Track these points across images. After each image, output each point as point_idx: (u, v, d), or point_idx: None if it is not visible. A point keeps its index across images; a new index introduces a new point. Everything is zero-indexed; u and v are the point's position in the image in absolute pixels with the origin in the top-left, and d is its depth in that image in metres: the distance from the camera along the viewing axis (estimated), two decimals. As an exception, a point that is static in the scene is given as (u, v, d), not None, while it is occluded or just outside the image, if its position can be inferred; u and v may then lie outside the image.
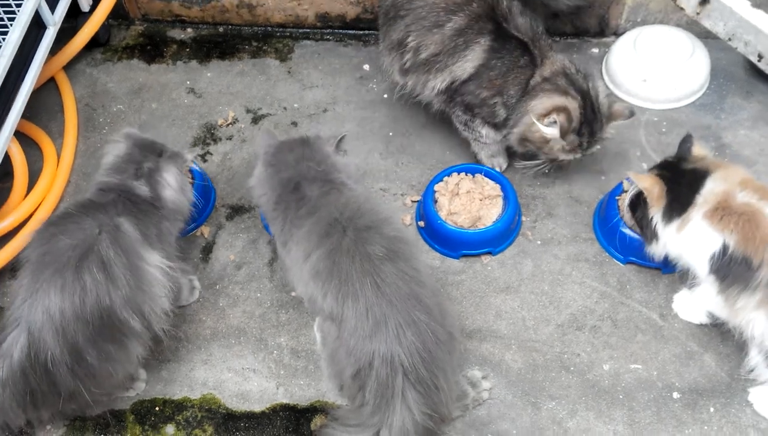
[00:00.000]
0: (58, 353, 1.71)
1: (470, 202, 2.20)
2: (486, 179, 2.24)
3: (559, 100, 2.03)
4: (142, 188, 1.92)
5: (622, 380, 1.91)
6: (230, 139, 2.54)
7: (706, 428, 1.83)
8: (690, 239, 1.84)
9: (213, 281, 2.19)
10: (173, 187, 1.97)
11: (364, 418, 1.66)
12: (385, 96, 2.62)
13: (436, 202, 2.22)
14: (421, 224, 2.23)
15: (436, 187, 2.24)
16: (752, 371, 1.84)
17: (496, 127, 2.18)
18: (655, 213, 1.91)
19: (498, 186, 2.23)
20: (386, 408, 1.61)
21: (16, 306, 1.73)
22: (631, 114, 2.12)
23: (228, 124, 2.59)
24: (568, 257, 2.16)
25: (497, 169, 2.31)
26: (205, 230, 2.30)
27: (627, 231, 2.08)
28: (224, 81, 2.72)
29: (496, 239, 2.15)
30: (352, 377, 1.67)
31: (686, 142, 1.96)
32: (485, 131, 2.21)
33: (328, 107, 2.61)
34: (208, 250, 2.26)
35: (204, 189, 2.32)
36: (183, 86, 2.71)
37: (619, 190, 2.17)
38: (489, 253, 2.17)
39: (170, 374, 2.02)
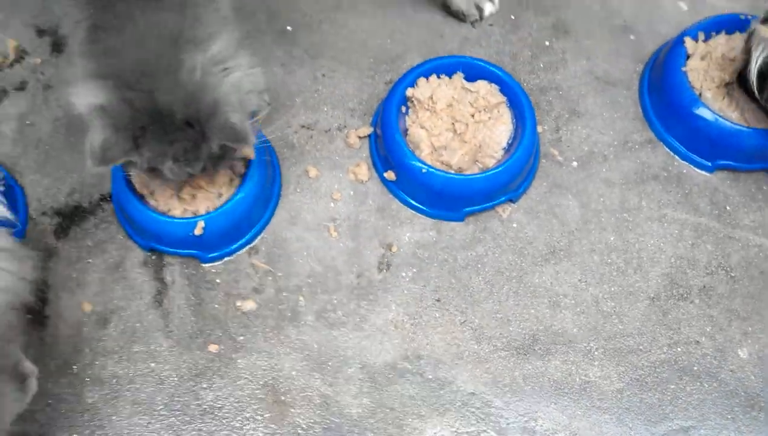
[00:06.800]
0: None
1: (459, 124, 1.31)
2: (471, 81, 1.34)
3: None
4: None
5: (773, 366, 1.20)
6: (23, 88, 1.45)
7: None
8: None
9: (63, 358, 1.22)
10: None
11: None
12: (261, -34, 1.59)
13: (406, 133, 1.32)
14: (390, 175, 1.32)
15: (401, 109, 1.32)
16: None
17: None
18: None
19: (495, 87, 1.34)
20: None
21: None
22: None
23: (12, 64, 1.48)
24: (626, 180, 1.35)
25: (488, 9, 1.48)
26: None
27: (709, 115, 1.29)
28: (-19, -12, 1.58)
29: (517, 177, 1.30)
30: None
31: None
32: None
33: (173, 2, 1.55)
34: (38, 302, 1.26)
35: (2, 191, 1.30)
36: None
37: (681, 55, 1.35)
38: (509, 201, 1.32)
39: None
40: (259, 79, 1.13)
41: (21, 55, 1.49)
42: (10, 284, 0.98)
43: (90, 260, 1.29)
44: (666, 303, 1.24)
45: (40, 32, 1.52)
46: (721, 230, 1.29)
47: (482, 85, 1.33)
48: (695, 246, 1.28)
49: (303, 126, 1.40)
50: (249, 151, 1.26)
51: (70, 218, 1.33)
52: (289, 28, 1.50)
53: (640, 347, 1.21)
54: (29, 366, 1.10)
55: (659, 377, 1.18)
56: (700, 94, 1.31)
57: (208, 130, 1.05)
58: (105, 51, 1.05)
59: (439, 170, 1.26)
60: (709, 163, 1.33)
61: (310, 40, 1.49)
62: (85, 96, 1.04)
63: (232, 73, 1.07)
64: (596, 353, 1.20)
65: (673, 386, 1.18)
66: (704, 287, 1.25)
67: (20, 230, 1.31)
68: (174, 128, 1.05)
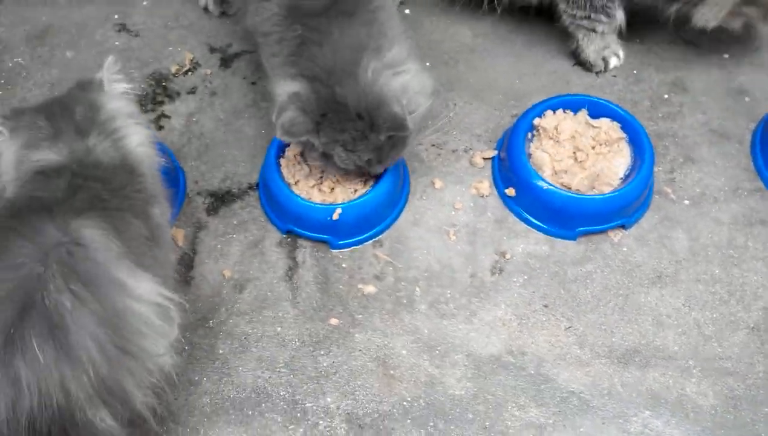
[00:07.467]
0: None
1: (580, 153, 1.45)
2: (595, 117, 1.48)
3: None
4: (102, 147, 1.10)
5: None
6: (193, 92, 1.70)
7: None
8: None
9: (202, 314, 1.37)
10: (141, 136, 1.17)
11: None
12: (407, 11, 1.82)
13: (530, 157, 1.46)
14: (510, 192, 1.46)
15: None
16: None
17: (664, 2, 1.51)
18: None
19: (617, 124, 1.47)
20: None
21: None
22: None
23: (186, 72, 1.74)
24: (734, 221, 1.44)
25: (613, 62, 1.63)
26: (178, 234, 1.48)
27: (820, 173, 1.38)
28: (169, 10, 1.85)
29: (633, 205, 1.41)
30: None
31: None
32: (619, 15, 1.55)
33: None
34: (186, 265, 1.43)
35: (168, 169, 1.50)
36: (109, 23, 1.83)
37: (792, 113, 1.46)
38: (621, 226, 1.43)
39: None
40: (427, 82, 1.32)
41: (194, 66, 1.74)
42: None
43: (233, 236, 1.47)
44: (765, 334, 1.29)
45: (213, 50, 1.77)
46: (826, 276, 1.35)
47: (605, 122, 1.47)
48: (798, 286, 1.34)
49: (433, 145, 1.57)
50: None
51: (221, 199, 1.52)
52: (428, 64, 1.70)
53: (737, 371, 1.26)
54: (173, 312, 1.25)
55: (754, 400, 1.23)
56: (811, 149, 1.41)
57: (374, 120, 1.24)
58: (306, 58, 1.28)
59: (559, 189, 1.38)
60: (818, 214, 1.41)
61: (447, 76, 1.68)
62: (285, 88, 1.27)
63: (401, 77, 1.26)
64: (694, 370, 1.26)
65: (767, 410, 1.22)
66: (805, 324, 1.30)
67: (179, 203, 1.51)
68: (347, 118, 1.25)
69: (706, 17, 1.49)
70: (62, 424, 0.93)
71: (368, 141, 1.28)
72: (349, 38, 1.26)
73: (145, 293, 1.00)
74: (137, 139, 1.14)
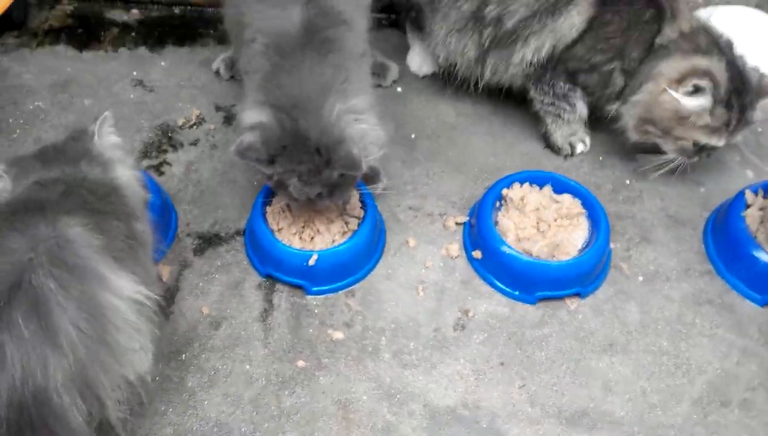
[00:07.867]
0: None
1: (542, 223, 1.50)
2: (559, 193, 1.55)
3: (700, 61, 1.45)
4: (93, 169, 1.19)
5: (806, 483, 1.23)
6: (195, 144, 1.77)
7: None
8: None
9: (177, 347, 1.39)
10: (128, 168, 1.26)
11: None
12: (399, 90, 1.90)
13: (496, 224, 1.51)
14: (477, 254, 1.50)
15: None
16: None
17: (606, 100, 1.59)
18: None
19: (578, 201, 1.53)
20: None
21: None
22: None
23: (192, 126, 1.81)
24: (684, 299, 1.47)
25: (579, 148, 1.71)
26: (165, 271, 1.51)
27: (763, 256, 1.42)
28: (185, 72, 1.94)
29: (588, 275, 1.45)
30: None
31: None
32: (580, 105, 1.62)
33: (326, 102, 1.87)
34: (168, 299, 1.46)
35: (162, 210, 1.55)
36: (128, 78, 1.92)
37: (741, 204, 1.51)
38: (577, 295, 1.46)
39: None
40: (381, 135, 1.38)
41: (200, 121, 1.82)
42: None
43: (216, 276, 1.50)
44: (707, 407, 1.31)
45: (218, 108, 1.85)
46: (767, 357, 1.37)
47: (567, 198, 1.52)
48: (740, 364, 1.37)
49: (410, 207, 1.62)
50: (358, 212, 1.50)
51: (209, 241, 1.57)
52: (413, 136, 1.77)
53: (680, 440, 1.27)
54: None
55: (695, 469, 1.23)
56: (756, 237, 1.45)
57: (332, 158, 1.30)
58: (275, 85, 1.34)
59: (520, 254, 1.43)
60: (760, 297, 1.44)
61: (428, 147, 1.75)
62: (251, 116, 1.33)
63: (361, 124, 1.33)
64: (638, 436, 1.28)
65: (707, 480, 1.22)
66: (745, 400, 1.32)
67: (169, 241, 1.56)
68: (305, 151, 1.31)
69: (625, 126, 1.57)
70: (40, 409, 0.95)
71: (321, 176, 1.33)
72: (317, 75, 1.33)
73: (124, 289, 1.05)
74: (123, 172, 1.21)
